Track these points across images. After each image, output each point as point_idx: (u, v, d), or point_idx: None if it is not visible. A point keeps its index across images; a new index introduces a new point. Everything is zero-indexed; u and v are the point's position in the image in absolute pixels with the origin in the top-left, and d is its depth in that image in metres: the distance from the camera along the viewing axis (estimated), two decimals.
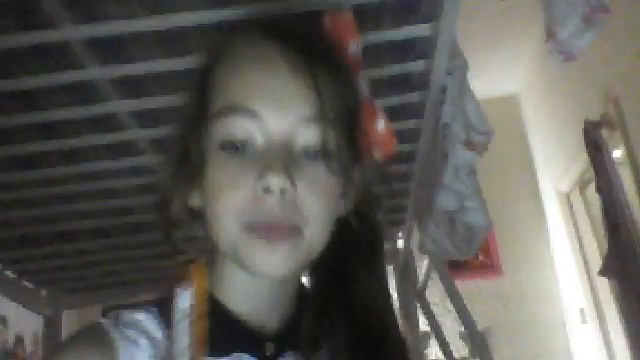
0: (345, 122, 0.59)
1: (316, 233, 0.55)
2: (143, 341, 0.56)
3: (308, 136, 0.55)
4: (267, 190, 0.52)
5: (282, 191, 0.52)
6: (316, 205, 0.55)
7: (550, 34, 0.85)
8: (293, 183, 0.53)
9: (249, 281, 0.58)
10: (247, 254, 0.54)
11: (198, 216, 0.60)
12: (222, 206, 0.54)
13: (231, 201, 0.54)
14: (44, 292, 2.14)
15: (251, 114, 0.54)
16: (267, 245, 0.53)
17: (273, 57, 0.56)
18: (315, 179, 0.55)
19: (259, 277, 0.56)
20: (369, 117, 0.90)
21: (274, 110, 0.55)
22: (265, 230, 0.53)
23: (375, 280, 0.63)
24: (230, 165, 0.55)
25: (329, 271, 0.61)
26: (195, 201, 0.60)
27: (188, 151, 0.59)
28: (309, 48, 0.58)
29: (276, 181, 0.52)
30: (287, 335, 0.59)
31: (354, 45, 0.94)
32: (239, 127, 0.55)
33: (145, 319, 0.58)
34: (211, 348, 0.56)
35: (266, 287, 0.59)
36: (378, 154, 0.88)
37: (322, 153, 0.55)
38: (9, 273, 1.92)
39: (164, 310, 0.59)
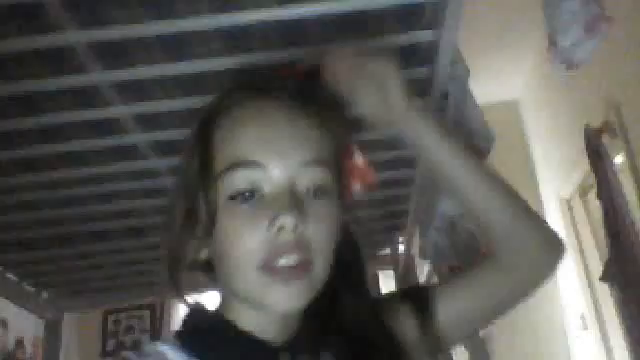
0: (335, 160, 0.64)
1: (324, 264, 0.60)
2: None
3: (309, 178, 0.60)
4: (282, 228, 0.57)
5: (295, 228, 0.57)
6: (324, 238, 0.59)
7: (552, 43, 0.85)
8: (303, 220, 0.57)
9: (262, 314, 0.61)
10: (264, 295, 0.58)
11: (204, 269, 0.65)
12: (239, 249, 0.58)
13: (248, 244, 0.58)
14: (45, 295, 2.14)
15: (256, 165, 0.59)
16: (284, 285, 0.57)
17: (270, 111, 0.62)
18: (320, 215, 0.59)
19: (273, 314, 0.60)
20: (347, 154, 0.94)
21: (277, 159, 0.59)
22: (281, 271, 0.57)
23: (361, 299, 0.68)
24: (242, 213, 0.59)
25: (322, 295, 0.63)
26: (202, 255, 0.64)
27: (196, 209, 0.63)
28: (302, 98, 0.63)
29: (289, 220, 0.56)
30: (298, 343, 0.63)
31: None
32: (246, 178, 0.59)
33: (167, 350, 0.61)
34: None
35: (278, 317, 0.62)
36: (360, 187, 0.92)
37: (322, 191, 0.60)
38: (10, 276, 1.92)
39: (186, 341, 0.62)
